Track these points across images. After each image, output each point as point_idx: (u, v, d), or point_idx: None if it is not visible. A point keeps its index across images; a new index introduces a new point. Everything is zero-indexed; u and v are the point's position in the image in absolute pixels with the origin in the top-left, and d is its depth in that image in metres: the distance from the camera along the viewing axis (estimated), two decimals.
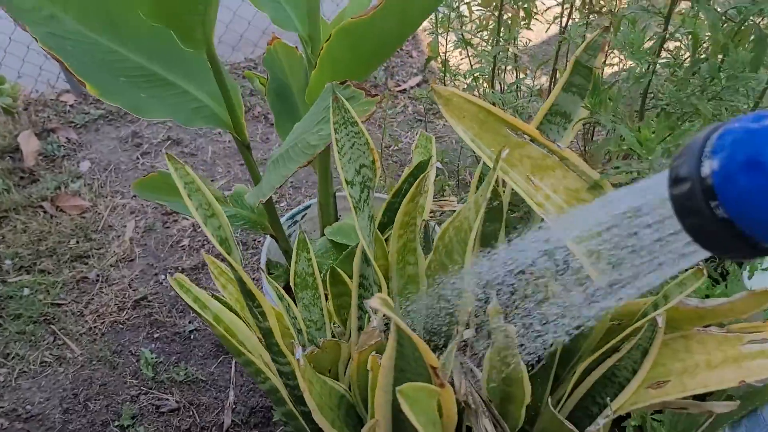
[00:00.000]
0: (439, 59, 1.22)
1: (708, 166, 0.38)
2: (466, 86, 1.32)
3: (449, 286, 0.74)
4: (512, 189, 0.87)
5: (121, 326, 1.53)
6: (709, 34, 0.73)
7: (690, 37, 0.77)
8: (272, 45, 1.25)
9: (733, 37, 0.75)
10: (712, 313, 0.74)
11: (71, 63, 0.93)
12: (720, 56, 0.75)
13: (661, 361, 0.76)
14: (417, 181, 0.77)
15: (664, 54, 0.83)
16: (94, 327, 1.52)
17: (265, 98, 1.20)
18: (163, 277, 1.66)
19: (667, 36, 0.73)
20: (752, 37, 0.72)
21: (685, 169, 0.39)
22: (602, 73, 0.86)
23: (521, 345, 0.68)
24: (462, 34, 1.15)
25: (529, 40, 1.28)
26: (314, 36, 1.08)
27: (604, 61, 1.33)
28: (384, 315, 0.75)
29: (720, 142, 0.38)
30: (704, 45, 0.75)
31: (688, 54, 0.82)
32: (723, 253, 0.41)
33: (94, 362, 1.44)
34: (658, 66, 0.77)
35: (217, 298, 0.86)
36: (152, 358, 1.44)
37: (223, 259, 0.73)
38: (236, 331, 0.83)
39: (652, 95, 0.82)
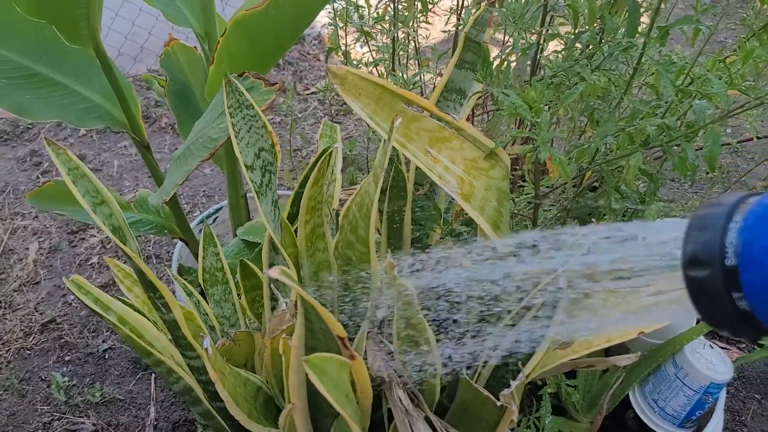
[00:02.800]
0: (340, 52, 1.22)
1: (733, 254, 0.34)
2: None
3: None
4: (416, 168, 0.88)
5: (28, 352, 1.44)
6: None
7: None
8: (169, 46, 1.22)
9: (609, 8, 0.79)
10: None
11: None
12: (599, 27, 0.79)
13: None
14: (320, 163, 0.77)
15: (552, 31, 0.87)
16: None
17: (165, 99, 1.17)
18: (71, 297, 1.58)
19: (548, 8, 0.76)
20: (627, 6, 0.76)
21: (704, 251, 0.35)
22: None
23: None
24: (361, 25, 1.16)
25: (429, 32, 1.30)
26: (210, 31, 1.06)
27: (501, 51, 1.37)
28: (294, 303, 0.74)
29: (746, 226, 0.34)
30: (583, 17, 0.79)
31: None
32: (728, 332, 0.37)
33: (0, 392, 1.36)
34: (543, 38, 0.80)
35: (122, 301, 0.83)
36: (64, 382, 1.37)
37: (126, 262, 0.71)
38: (143, 331, 0.80)
39: (541, 67, 0.85)
